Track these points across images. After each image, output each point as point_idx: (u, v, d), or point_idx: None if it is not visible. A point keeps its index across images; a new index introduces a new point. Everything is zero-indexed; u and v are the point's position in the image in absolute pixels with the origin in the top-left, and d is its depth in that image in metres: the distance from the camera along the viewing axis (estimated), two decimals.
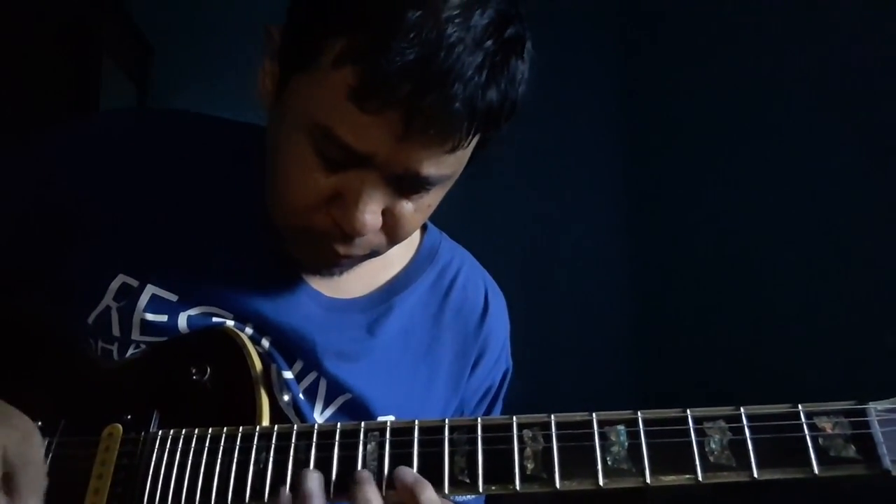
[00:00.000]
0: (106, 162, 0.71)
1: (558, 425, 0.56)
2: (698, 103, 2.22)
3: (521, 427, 0.56)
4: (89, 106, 1.88)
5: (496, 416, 0.81)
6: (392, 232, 0.66)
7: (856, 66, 1.58)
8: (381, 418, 0.73)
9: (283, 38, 0.62)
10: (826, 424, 0.52)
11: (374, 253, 0.68)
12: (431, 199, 0.66)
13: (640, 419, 0.55)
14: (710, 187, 2.14)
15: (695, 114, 2.24)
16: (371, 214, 0.61)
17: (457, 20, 0.55)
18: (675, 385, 2.18)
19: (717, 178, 2.11)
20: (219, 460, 0.61)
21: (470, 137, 0.59)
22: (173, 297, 0.70)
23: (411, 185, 0.62)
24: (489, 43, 0.56)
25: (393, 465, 0.57)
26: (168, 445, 0.62)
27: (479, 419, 0.58)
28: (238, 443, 0.61)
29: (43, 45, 1.84)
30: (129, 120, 0.76)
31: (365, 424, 0.60)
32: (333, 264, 0.69)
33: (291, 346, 0.72)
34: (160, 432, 0.63)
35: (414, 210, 0.65)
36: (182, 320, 0.69)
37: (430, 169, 0.60)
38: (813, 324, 1.69)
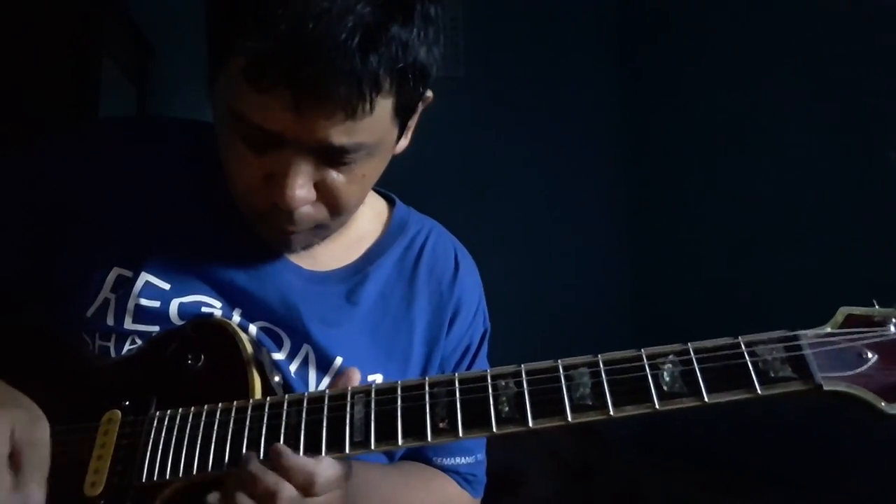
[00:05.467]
0: (97, 165, 0.77)
1: (528, 373, 0.61)
2: (696, 96, 2.29)
3: (494, 378, 0.62)
4: (89, 106, 1.86)
5: None
6: (331, 203, 0.70)
7: (854, 66, 1.62)
8: (369, 377, 0.78)
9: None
10: (764, 350, 0.58)
11: (321, 226, 0.73)
12: (365, 170, 0.69)
13: (600, 361, 0.61)
14: (708, 179, 2.19)
15: (692, 106, 2.30)
16: (300, 189, 0.65)
17: None
18: None
19: (714, 166, 2.16)
20: (214, 432, 0.64)
21: (368, 102, 0.60)
22: (166, 286, 0.75)
23: (331, 155, 0.65)
24: (360, 7, 0.58)
25: (379, 423, 0.62)
26: (166, 424, 0.66)
27: (457, 375, 0.63)
28: (233, 415, 0.65)
29: (43, 45, 1.82)
30: (118, 126, 0.83)
31: (352, 388, 0.64)
32: (287, 241, 0.74)
33: (278, 321, 0.77)
34: (157, 413, 0.67)
35: (347, 181, 0.68)
36: (173, 307, 0.74)
37: (341, 138, 0.62)
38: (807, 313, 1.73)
